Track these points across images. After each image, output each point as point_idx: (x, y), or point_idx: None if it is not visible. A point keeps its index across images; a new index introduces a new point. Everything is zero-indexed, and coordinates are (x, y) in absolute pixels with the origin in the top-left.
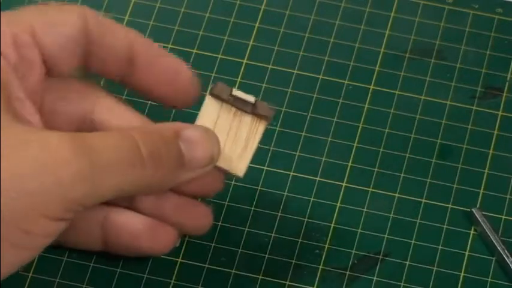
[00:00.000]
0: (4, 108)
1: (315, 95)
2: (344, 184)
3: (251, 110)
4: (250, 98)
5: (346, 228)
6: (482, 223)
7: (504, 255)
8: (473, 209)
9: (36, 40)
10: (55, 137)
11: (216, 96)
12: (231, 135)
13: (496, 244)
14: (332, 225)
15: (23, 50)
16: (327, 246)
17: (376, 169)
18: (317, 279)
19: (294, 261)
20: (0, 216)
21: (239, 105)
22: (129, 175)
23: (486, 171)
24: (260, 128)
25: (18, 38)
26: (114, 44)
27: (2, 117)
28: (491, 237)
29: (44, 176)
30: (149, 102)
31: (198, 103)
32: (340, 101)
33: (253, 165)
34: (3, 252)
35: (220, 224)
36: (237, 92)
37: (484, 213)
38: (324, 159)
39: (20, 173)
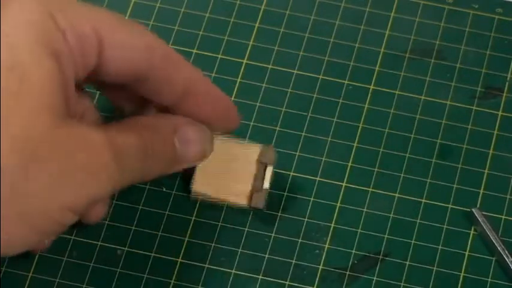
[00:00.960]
0: (63, 105)
1: (315, 95)
2: (344, 184)
3: (255, 188)
4: (266, 184)
5: (346, 228)
6: (482, 223)
7: (504, 255)
8: (473, 209)
9: (99, 43)
10: (98, 141)
11: (261, 153)
12: (227, 174)
13: (496, 244)
14: (332, 225)
15: (86, 46)
16: (327, 246)
17: (376, 169)
18: (317, 279)
19: (294, 261)
20: (32, 205)
21: (258, 174)
22: (138, 175)
23: (486, 171)
24: (241, 200)
25: (85, 34)
26: (175, 81)
27: (59, 111)
28: (491, 237)
29: (87, 178)
30: None
31: None
32: (340, 101)
33: None
34: (27, 235)
35: (220, 224)
36: (269, 169)
37: (484, 213)
38: (324, 159)
39: (66, 175)
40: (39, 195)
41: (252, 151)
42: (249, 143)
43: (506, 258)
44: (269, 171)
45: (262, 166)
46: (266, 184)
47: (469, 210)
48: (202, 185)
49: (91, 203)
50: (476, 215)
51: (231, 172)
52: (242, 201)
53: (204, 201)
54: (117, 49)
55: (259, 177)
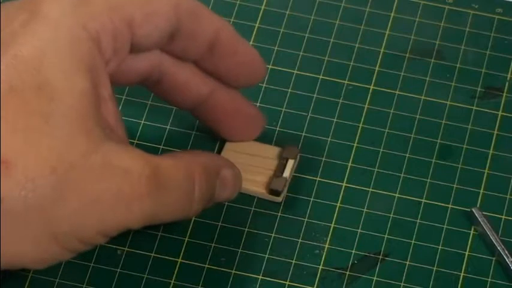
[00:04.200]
0: (98, 127)
1: (315, 95)
2: (344, 184)
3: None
4: (286, 173)
5: (346, 228)
6: (482, 223)
7: (504, 255)
8: (473, 209)
9: (131, 31)
10: (137, 171)
11: (284, 150)
12: (247, 167)
13: (496, 244)
14: (332, 225)
15: (119, 43)
16: (327, 246)
17: (376, 169)
18: (317, 279)
19: (294, 261)
20: (62, 228)
21: (279, 168)
22: (175, 213)
23: (486, 171)
24: (259, 188)
25: (118, 32)
26: (201, 32)
27: (95, 135)
28: (491, 237)
29: (119, 207)
30: (149, 102)
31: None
32: (340, 101)
33: None
34: (58, 252)
35: (220, 224)
36: (290, 162)
37: (484, 213)
38: (324, 159)
39: (98, 201)
40: (70, 219)
41: (272, 149)
42: (270, 145)
43: (506, 258)
44: (290, 163)
45: (283, 162)
46: (286, 173)
47: (469, 210)
48: None
49: (123, 230)
50: (476, 215)
51: (251, 166)
52: (260, 189)
53: None
54: (146, 25)
55: (279, 171)
